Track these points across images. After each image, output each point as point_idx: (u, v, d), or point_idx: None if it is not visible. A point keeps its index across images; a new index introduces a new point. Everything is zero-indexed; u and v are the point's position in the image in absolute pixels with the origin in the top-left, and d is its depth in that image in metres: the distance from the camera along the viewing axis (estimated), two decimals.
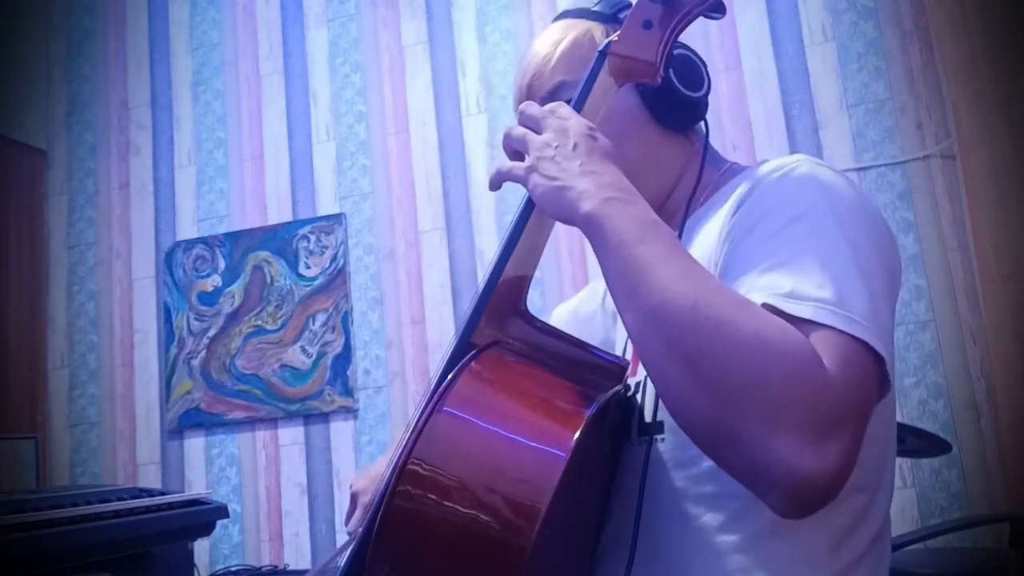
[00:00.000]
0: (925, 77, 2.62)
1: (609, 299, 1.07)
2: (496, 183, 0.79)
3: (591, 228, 0.72)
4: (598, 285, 1.12)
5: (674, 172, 0.93)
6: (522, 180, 0.76)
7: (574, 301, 1.13)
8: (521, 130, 0.78)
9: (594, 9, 0.95)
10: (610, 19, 0.93)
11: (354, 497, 0.98)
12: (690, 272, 0.68)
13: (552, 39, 0.94)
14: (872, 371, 0.68)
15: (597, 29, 0.93)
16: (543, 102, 0.83)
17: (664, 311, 0.66)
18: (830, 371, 0.63)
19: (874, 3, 2.70)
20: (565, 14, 0.97)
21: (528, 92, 0.94)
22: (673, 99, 0.89)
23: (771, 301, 0.67)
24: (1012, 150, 2.18)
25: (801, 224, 0.73)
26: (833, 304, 0.67)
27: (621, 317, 0.72)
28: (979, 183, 2.30)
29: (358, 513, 0.97)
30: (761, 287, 0.69)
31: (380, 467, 0.98)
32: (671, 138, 0.92)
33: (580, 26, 0.94)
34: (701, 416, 0.65)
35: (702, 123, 0.93)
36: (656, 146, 0.90)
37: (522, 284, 0.83)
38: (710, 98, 0.93)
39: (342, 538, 2.91)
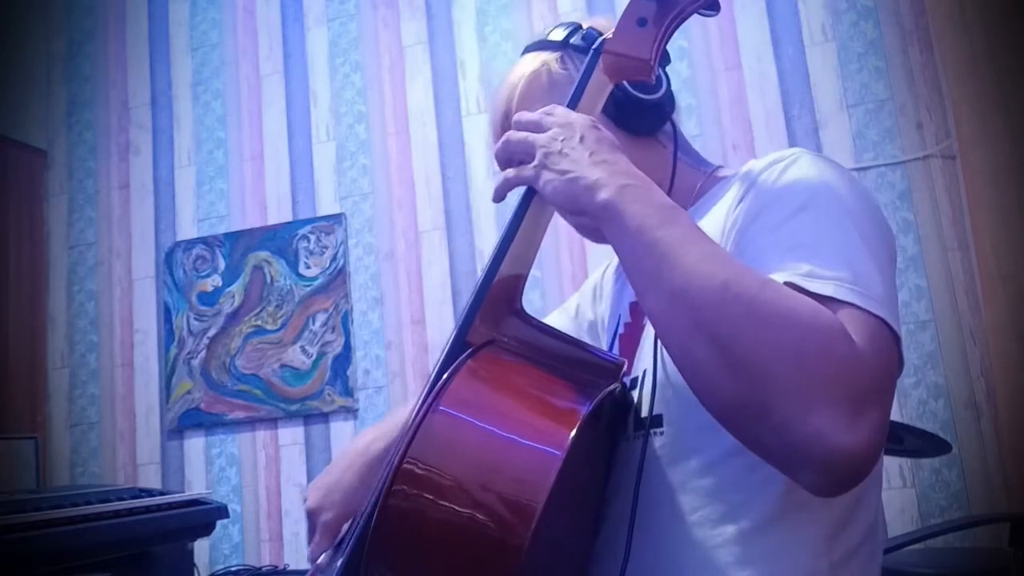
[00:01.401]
0: (925, 77, 2.62)
1: (597, 300, 1.07)
2: (502, 193, 0.80)
3: (609, 216, 0.72)
4: (585, 287, 1.12)
5: (652, 178, 0.93)
6: (532, 181, 0.76)
7: (570, 301, 1.14)
8: (521, 133, 0.78)
9: (548, 39, 0.96)
10: (562, 46, 0.94)
11: (311, 516, 0.94)
12: (714, 253, 0.68)
13: (515, 76, 0.96)
14: (894, 350, 0.69)
15: (552, 59, 0.94)
16: None
17: (691, 292, 0.66)
18: (859, 347, 0.64)
19: (874, 3, 2.70)
20: (527, 48, 0.99)
21: (502, 130, 0.95)
22: (635, 105, 0.89)
23: (793, 280, 0.68)
24: (1012, 150, 2.18)
25: (808, 212, 0.74)
26: (852, 283, 0.68)
27: (642, 303, 0.72)
28: (979, 183, 2.30)
29: (318, 537, 0.92)
30: (779, 268, 0.70)
31: (333, 478, 0.95)
32: (643, 144, 0.92)
33: (539, 59, 0.95)
34: (732, 396, 0.65)
35: (670, 125, 0.93)
36: (627, 154, 0.90)
37: (518, 283, 0.83)
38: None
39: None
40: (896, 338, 0.69)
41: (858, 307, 0.67)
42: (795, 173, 0.78)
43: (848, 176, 0.79)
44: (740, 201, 0.79)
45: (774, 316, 0.63)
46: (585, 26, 0.94)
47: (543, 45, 0.96)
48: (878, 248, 0.74)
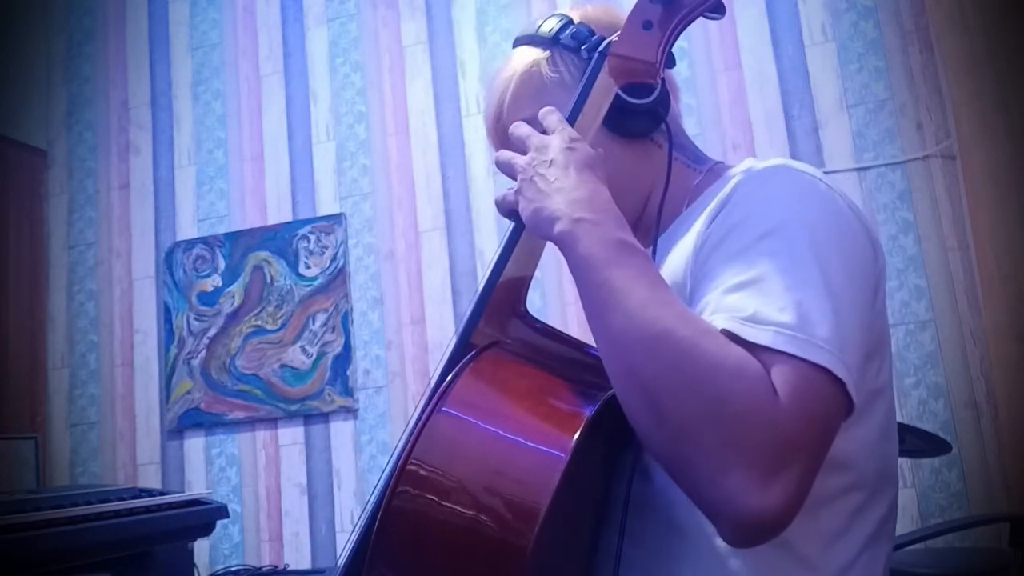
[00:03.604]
0: (925, 77, 2.62)
1: None
2: (505, 214, 0.81)
3: (562, 249, 0.73)
4: None
5: (647, 180, 0.91)
6: (516, 205, 0.78)
7: None
8: (507, 154, 0.80)
9: (539, 34, 0.94)
10: (552, 43, 0.92)
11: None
12: (656, 299, 0.67)
13: (505, 76, 0.94)
14: (831, 397, 0.67)
15: (543, 59, 0.92)
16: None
17: (627, 339, 0.67)
18: (784, 404, 0.63)
19: (874, 3, 2.70)
20: (518, 40, 0.97)
21: (496, 133, 0.95)
22: (625, 110, 0.85)
23: (730, 326, 0.67)
24: (1012, 150, 2.18)
25: (770, 240, 0.72)
26: (793, 328, 0.66)
27: (593, 337, 0.72)
28: (979, 183, 2.30)
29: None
30: (724, 308, 0.69)
31: None
32: (636, 146, 0.91)
33: (528, 57, 0.93)
34: (659, 446, 0.66)
35: (665, 125, 0.89)
36: (619, 158, 0.88)
37: (521, 285, 0.83)
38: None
39: (342, 538, 2.91)
40: (840, 383, 0.67)
41: (794, 356, 0.65)
42: (766, 194, 0.77)
43: (825, 196, 0.77)
44: (712, 220, 0.78)
45: (699, 372, 0.63)
46: (577, 20, 0.92)
47: (533, 40, 0.94)
48: (839, 280, 0.71)
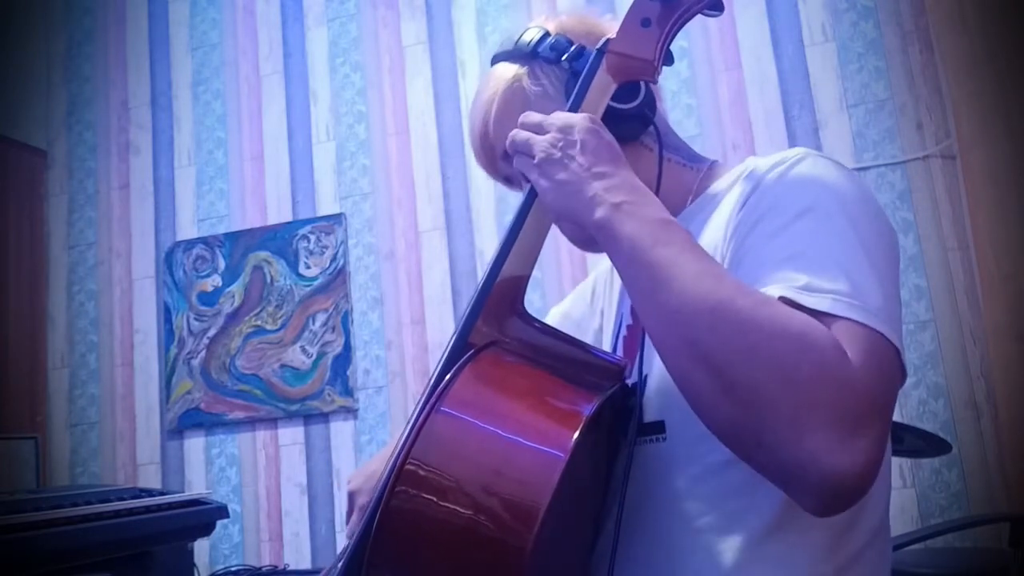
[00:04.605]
0: (925, 77, 2.62)
1: (597, 299, 1.07)
2: (511, 151, 0.79)
3: (604, 235, 0.71)
4: (584, 287, 1.11)
5: (641, 180, 0.91)
6: (531, 177, 0.76)
7: (565, 303, 1.13)
8: (524, 133, 0.78)
9: (517, 48, 0.92)
10: (531, 57, 0.91)
11: (351, 497, 0.98)
12: (708, 271, 0.68)
13: (487, 95, 0.93)
14: (893, 362, 0.68)
15: (524, 74, 0.91)
16: (501, 158, 0.88)
17: (684, 315, 0.66)
18: (855, 365, 0.63)
19: (874, 3, 2.70)
20: (496, 57, 0.96)
21: (483, 153, 0.94)
22: (613, 114, 0.84)
23: (788, 294, 0.67)
24: (1012, 150, 2.18)
25: (808, 218, 0.73)
26: (849, 296, 0.67)
27: (641, 322, 0.71)
28: (979, 183, 2.30)
29: (355, 516, 0.96)
30: (775, 280, 0.69)
31: (377, 465, 0.97)
32: (626, 151, 0.85)
33: (508, 73, 0.92)
34: (728, 418, 0.65)
35: (654, 126, 0.88)
36: None
37: (520, 284, 0.83)
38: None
39: (342, 538, 2.90)
40: (896, 350, 0.68)
41: (855, 321, 0.66)
42: (796, 176, 0.77)
43: (852, 178, 0.78)
44: (742, 206, 0.78)
45: (767, 338, 0.63)
46: (553, 31, 0.91)
47: (511, 55, 0.93)
48: (878, 255, 0.72)
